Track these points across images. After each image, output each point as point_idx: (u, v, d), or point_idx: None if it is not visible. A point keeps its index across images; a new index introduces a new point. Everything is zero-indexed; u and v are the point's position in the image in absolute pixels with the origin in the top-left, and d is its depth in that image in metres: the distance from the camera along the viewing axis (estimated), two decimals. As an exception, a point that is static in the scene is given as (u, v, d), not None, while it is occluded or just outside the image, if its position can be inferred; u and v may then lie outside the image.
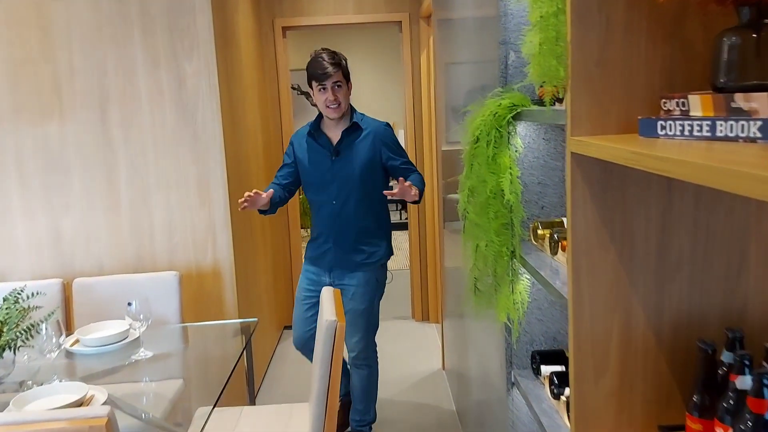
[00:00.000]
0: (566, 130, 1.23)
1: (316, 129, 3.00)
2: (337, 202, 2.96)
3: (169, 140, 3.20)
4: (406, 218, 8.07)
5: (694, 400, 1.13)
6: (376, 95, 8.29)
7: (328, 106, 2.90)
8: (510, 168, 1.73)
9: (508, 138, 1.75)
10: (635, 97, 1.20)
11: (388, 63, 8.25)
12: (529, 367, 1.99)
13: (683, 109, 1.06)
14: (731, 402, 1.04)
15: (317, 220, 3.05)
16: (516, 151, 1.75)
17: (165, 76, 3.17)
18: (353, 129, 2.98)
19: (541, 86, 1.50)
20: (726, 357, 1.11)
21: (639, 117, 1.12)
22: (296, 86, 7.47)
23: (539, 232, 1.81)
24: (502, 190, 1.76)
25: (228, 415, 2.44)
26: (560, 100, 1.48)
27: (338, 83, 2.88)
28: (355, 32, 8.11)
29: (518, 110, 1.70)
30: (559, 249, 1.67)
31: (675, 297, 1.26)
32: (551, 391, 1.78)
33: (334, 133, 2.98)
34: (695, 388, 1.13)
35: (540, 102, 1.67)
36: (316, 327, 2.58)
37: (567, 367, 1.85)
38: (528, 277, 1.86)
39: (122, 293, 2.60)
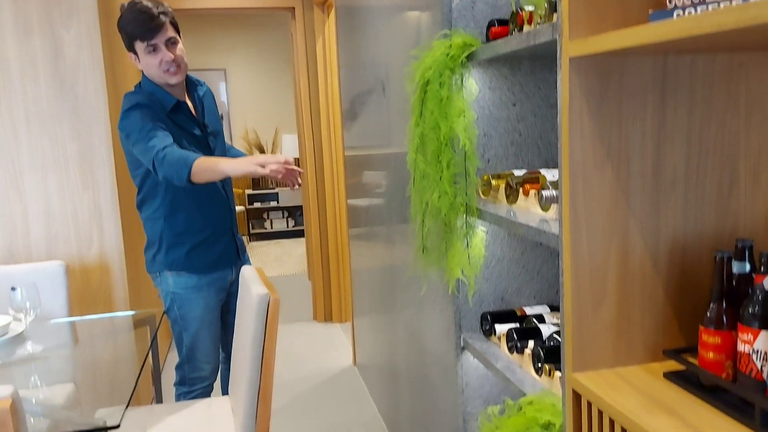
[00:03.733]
0: (560, 37, 1.14)
1: (172, 103, 2.24)
2: (222, 183, 2.38)
3: (45, 116, 2.80)
4: (293, 226, 7.92)
5: (710, 313, 1.07)
6: (261, 97, 7.98)
7: (167, 71, 2.19)
8: (464, 112, 1.62)
9: (462, 79, 1.64)
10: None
11: (274, 60, 7.96)
12: (479, 330, 1.89)
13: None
14: (759, 304, 0.98)
15: (199, 213, 2.30)
16: (471, 93, 1.65)
17: (39, 45, 2.78)
18: (192, 88, 2.38)
19: (520, 11, 1.42)
20: (737, 267, 1.06)
21: (650, 10, 1.04)
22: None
23: (493, 182, 1.72)
24: (455, 138, 1.65)
25: (136, 414, 2.12)
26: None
27: (172, 39, 2.20)
28: (238, 23, 7.77)
29: (473, 49, 1.60)
30: (520, 194, 1.58)
31: (671, 218, 1.20)
32: (510, 348, 1.68)
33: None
34: (712, 300, 1.07)
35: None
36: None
37: (521, 325, 1.78)
38: (484, 229, 1.76)
39: (-5, 286, 2.21)
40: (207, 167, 2.03)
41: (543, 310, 1.85)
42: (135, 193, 2.36)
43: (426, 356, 2.26)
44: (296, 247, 7.33)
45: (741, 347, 1.01)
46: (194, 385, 2.35)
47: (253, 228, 7.89)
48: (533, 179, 1.62)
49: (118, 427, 1.47)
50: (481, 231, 1.74)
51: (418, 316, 2.32)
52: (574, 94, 1.14)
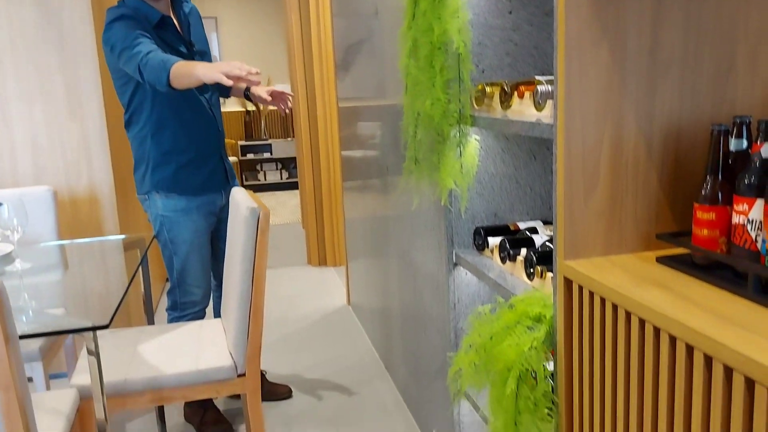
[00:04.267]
0: None
1: (157, 17, 2.17)
2: (208, 103, 2.33)
3: (30, 44, 2.73)
4: (287, 178, 7.87)
5: (705, 189, 1.05)
6: (253, 46, 7.85)
7: None
8: (458, 11, 1.57)
9: (455, -20, 1.59)
10: None
11: (266, 8, 7.80)
12: (472, 246, 1.87)
13: None
14: (756, 173, 0.96)
15: (185, 132, 2.26)
16: (464, -7, 1.60)
17: (21, -32, 2.70)
18: (177, 4, 2.30)
19: None
20: (735, 144, 1.03)
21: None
22: None
23: (488, 90, 1.68)
24: (449, 42, 1.60)
25: (127, 334, 2.12)
26: None
27: None
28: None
29: (466, -52, 1.54)
30: (515, 98, 1.55)
31: (666, 101, 1.17)
32: (502, 259, 1.67)
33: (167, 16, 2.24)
34: (707, 174, 1.04)
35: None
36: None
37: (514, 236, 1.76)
38: (478, 138, 1.73)
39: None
40: (184, 72, 1.97)
41: (536, 224, 1.83)
42: (123, 127, 2.32)
43: (418, 278, 2.25)
44: (290, 199, 7.30)
45: (736, 219, 0.99)
46: (186, 309, 2.35)
47: (246, 180, 7.84)
48: (526, 82, 1.59)
49: (107, 326, 1.46)
50: (474, 140, 1.71)
51: (411, 240, 2.31)
52: (570, -33, 1.10)
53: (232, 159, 7.38)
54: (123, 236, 2.45)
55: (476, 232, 1.83)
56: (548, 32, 1.81)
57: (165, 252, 2.30)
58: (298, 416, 2.53)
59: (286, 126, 8.02)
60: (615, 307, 1.05)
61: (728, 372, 0.83)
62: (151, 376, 1.83)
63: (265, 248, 1.84)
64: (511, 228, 1.82)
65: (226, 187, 2.39)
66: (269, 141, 7.79)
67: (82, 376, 1.80)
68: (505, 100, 1.59)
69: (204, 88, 2.28)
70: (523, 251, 1.59)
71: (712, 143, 1.04)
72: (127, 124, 2.27)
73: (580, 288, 1.15)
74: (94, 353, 1.54)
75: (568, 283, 1.19)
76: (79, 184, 2.84)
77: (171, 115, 2.21)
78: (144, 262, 2.25)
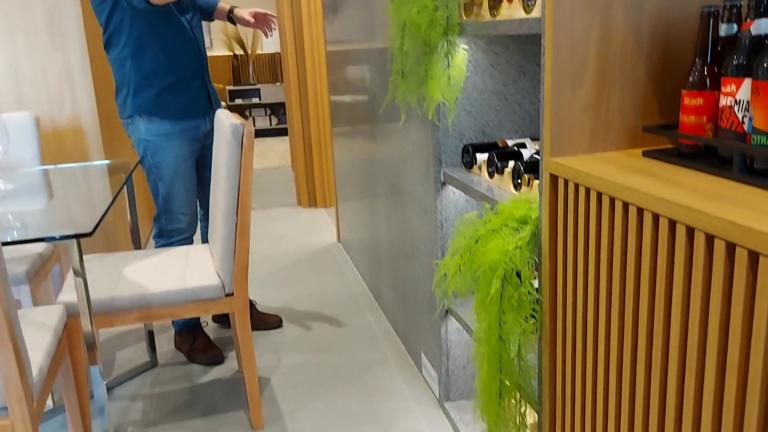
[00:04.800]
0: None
1: None
2: (189, 24, 2.24)
3: (7, -31, 2.65)
4: (277, 124, 7.80)
5: (694, 75, 1.03)
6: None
7: None
8: None
9: None
10: None
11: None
12: (460, 163, 1.86)
13: None
14: (745, 52, 0.94)
15: (166, 54, 2.19)
16: None
17: None
18: None
19: None
20: (725, 29, 1.01)
21: None
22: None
23: (475, -4, 1.64)
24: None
25: (114, 257, 2.11)
26: None
27: None
28: None
29: None
30: (503, 3, 1.51)
31: (656, -9, 1.14)
32: (490, 174, 1.66)
33: None
34: (696, 58, 1.02)
35: None
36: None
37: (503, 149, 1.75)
38: (466, 47, 1.70)
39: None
40: None
41: (525, 141, 1.82)
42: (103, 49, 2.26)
43: (406, 204, 2.24)
44: (279, 144, 7.25)
45: (723, 101, 0.98)
46: (172, 236, 2.34)
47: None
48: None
49: (90, 234, 1.44)
50: (462, 50, 1.68)
51: (399, 166, 2.29)
52: None
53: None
54: (108, 161, 2.42)
55: (464, 149, 1.82)
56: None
57: (150, 178, 2.27)
58: (288, 344, 2.56)
59: (274, 70, 7.90)
60: (600, 196, 1.05)
61: (709, 240, 0.82)
62: (139, 294, 1.83)
63: (249, 165, 1.82)
64: (500, 145, 1.81)
65: (210, 112, 2.36)
66: (258, 86, 7.68)
67: (69, 294, 1.80)
68: (494, 5, 1.55)
69: (185, 8, 2.22)
70: (511, 163, 1.58)
71: (701, 26, 1.02)
72: (106, 46, 2.21)
73: (566, 182, 1.14)
74: (79, 265, 1.53)
75: (553, 179, 1.18)
76: (62, 114, 2.79)
77: (151, 36, 2.15)
78: (129, 186, 2.23)
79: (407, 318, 2.42)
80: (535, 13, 1.38)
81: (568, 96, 1.16)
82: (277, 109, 7.86)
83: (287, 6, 4.29)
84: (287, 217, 4.39)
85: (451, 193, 1.90)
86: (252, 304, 2.69)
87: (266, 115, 7.85)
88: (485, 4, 1.60)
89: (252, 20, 2.41)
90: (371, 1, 2.45)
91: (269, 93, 7.71)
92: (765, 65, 0.88)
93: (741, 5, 1.02)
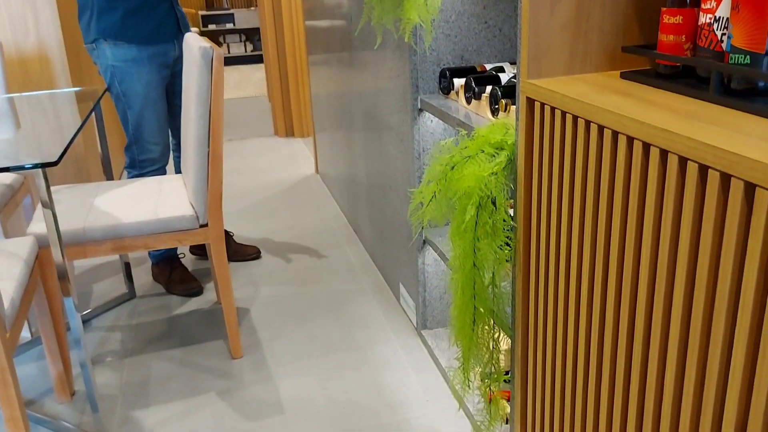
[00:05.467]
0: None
1: None
2: None
3: None
4: (252, 51, 7.58)
5: (675, -9, 0.99)
6: None
7: None
8: None
9: None
10: None
11: None
12: (437, 91, 1.82)
13: None
14: (729, -35, 0.90)
15: None
16: None
17: None
18: None
19: None
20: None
21: None
22: None
23: None
24: None
25: (85, 188, 2.07)
26: None
27: None
28: None
29: None
30: None
31: None
32: (467, 99, 1.62)
33: None
34: (678, -26, 0.98)
35: None
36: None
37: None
38: (442, -34, 1.63)
39: None
40: None
41: (504, 65, 1.77)
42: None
43: (383, 134, 2.21)
44: (255, 72, 7.09)
45: (702, 19, 0.95)
46: (144, 167, 2.29)
47: None
48: None
49: (56, 164, 1.40)
50: (438, -31, 1.61)
51: (376, 95, 2.24)
52: None
53: (193, 29, 7.06)
54: (76, 89, 2.34)
55: (441, 73, 1.77)
56: None
57: (119, 106, 2.20)
58: (266, 276, 2.56)
59: (249, -6, 7.64)
60: (575, 120, 1.02)
61: (683, 162, 0.81)
62: (111, 225, 1.80)
63: (220, 89, 1.76)
64: (478, 69, 1.76)
65: (178, 37, 2.27)
66: (231, 11, 7.43)
67: (39, 224, 1.77)
68: None
69: None
70: (488, 88, 1.55)
71: (685, -63, 0.97)
72: None
73: (542, 106, 1.11)
74: (47, 195, 1.49)
75: (530, 103, 1.15)
76: (27, 41, 2.68)
77: None
78: (98, 115, 2.16)
79: (385, 249, 2.42)
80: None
81: (547, 12, 1.11)
82: (251, 35, 7.63)
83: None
84: (265, 148, 4.33)
85: (429, 121, 1.87)
86: (229, 236, 2.68)
87: (241, 41, 7.63)
88: None
89: None
90: None
91: (244, 18, 7.47)
92: (748, -21, 0.85)
93: None
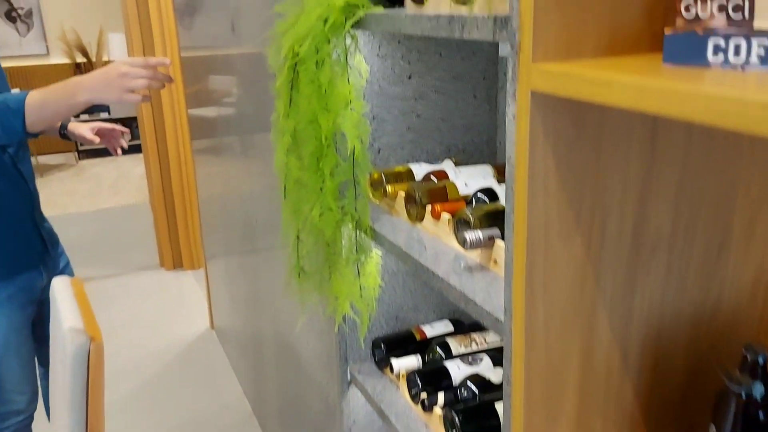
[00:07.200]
0: (515, 53, 0.73)
1: None
2: (12, 161, 1.74)
3: None
4: (130, 140, 7.01)
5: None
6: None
7: None
8: (352, 102, 1.18)
9: (347, 56, 1.18)
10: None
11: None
12: (370, 359, 1.54)
13: (736, 15, 0.63)
14: None
15: None
16: (360, 76, 1.20)
17: None
18: None
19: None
20: (758, 390, 0.77)
21: (667, 31, 0.66)
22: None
23: (389, 189, 1.31)
24: (339, 133, 1.21)
25: None
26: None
27: None
28: None
29: (361, 14, 1.13)
30: (427, 215, 1.20)
31: (647, 296, 0.89)
32: (413, 397, 1.36)
33: None
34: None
35: (389, 1, 1.14)
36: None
37: (423, 357, 1.45)
38: (379, 252, 1.37)
39: None
40: (54, 99, 1.49)
41: (445, 328, 1.54)
42: None
43: (302, 371, 1.90)
44: (135, 167, 6.53)
45: None
46: (7, 419, 1.83)
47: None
48: (439, 191, 1.25)
49: None
50: (376, 254, 1.35)
51: (292, 313, 1.93)
52: (537, 142, 0.75)
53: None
54: None
55: (375, 344, 1.50)
56: (457, 101, 1.45)
57: None
58: None
59: (125, 84, 7.09)
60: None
61: None
62: None
63: (99, 390, 1.39)
64: (417, 337, 1.51)
65: (45, 259, 1.86)
66: (106, 99, 6.85)
67: None
68: (415, 211, 1.24)
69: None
70: (441, 397, 1.29)
71: (726, 402, 0.76)
72: None
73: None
74: None
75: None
76: None
77: None
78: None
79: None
80: (474, 255, 1.08)
81: (541, 432, 0.88)
82: (129, 124, 7.06)
83: (132, 7, 3.69)
84: (150, 287, 3.84)
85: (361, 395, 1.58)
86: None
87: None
88: (400, 199, 1.28)
89: (95, 138, 1.93)
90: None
91: (120, 106, 6.91)
92: None
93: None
